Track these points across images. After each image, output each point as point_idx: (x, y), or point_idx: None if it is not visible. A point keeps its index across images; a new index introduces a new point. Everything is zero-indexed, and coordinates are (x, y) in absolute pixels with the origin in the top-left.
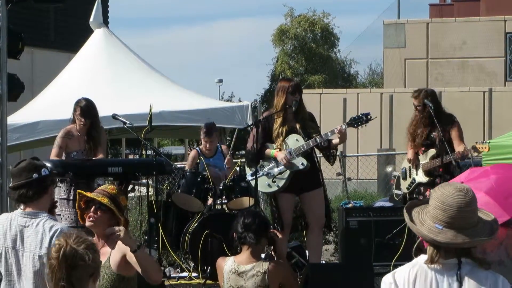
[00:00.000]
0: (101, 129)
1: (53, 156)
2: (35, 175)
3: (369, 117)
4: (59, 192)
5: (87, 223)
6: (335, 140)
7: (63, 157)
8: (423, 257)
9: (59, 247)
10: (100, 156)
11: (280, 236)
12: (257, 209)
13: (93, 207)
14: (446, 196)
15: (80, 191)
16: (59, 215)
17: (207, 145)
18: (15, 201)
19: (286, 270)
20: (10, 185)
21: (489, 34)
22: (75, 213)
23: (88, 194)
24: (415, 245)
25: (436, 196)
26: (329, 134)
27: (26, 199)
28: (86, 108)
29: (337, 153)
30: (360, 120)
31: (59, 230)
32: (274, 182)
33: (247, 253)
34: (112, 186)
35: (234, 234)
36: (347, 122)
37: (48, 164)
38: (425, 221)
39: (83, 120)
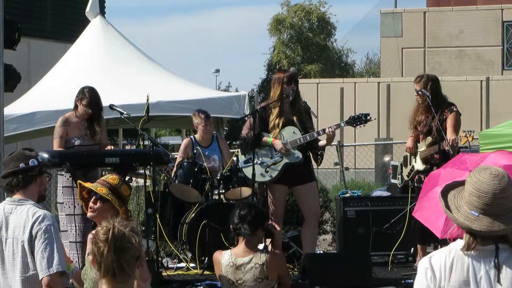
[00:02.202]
0: (102, 117)
1: (56, 147)
2: (21, 165)
3: (368, 117)
4: (62, 180)
5: (88, 214)
6: (322, 142)
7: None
8: (459, 243)
9: (107, 229)
10: (104, 143)
11: (278, 228)
12: (254, 200)
13: (93, 197)
14: (481, 183)
15: (80, 181)
16: (62, 203)
17: (207, 128)
18: (4, 190)
19: (283, 261)
20: (1, 174)
21: (486, 22)
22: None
23: (87, 185)
24: (450, 230)
25: (472, 182)
26: (321, 132)
27: (11, 187)
28: (94, 99)
29: (335, 143)
30: (359, 120)
31: (42, 215)
32: (267, 172)
33: (243, 245)
34: (114, 176)
35: (230, 225)
36: (346, 120)
37: (45, 155)
38: (461, 206)
39: (89, 111)
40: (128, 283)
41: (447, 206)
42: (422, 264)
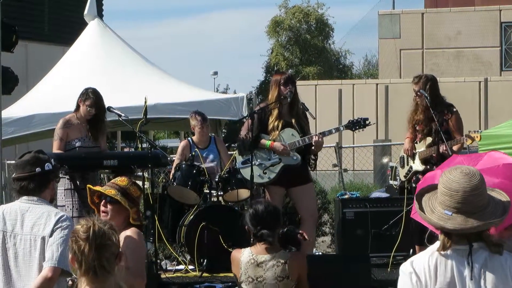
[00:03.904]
0: (104, 120)
1: (55, 149)
2: (37, 169)
3: (367, 122)
4: (64, 183)
5: (101, 217)
6: (312, 147)
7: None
8: (438, 244)
9: (87, 227)
10: (103, 148)
11: (307, 239)
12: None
13: (104, 200)
14: (451, 182)
15: (89, 186)
16: (64, 206)
17: (204, 130)
18: (17, 192)
19: (305, 262)
20: (13, 175)
21: (484, 23)
22: (79, 203)
23: (96, 188)
24: (427, 233)
25: (443, 181)
26: (320, 135)
27: (27, 191)
28: (98, 100)
29: (333, 144)
30: (358, 124)
31: (65, 216)
32: (265, 173)
33: (264, 243)
34: (123, 178)
35: (246, 228)
36: (345, 124)
37: None
38: (435, 208)
39: (93, 111)
40: (109, 281)
41: (421, 208)
42: (405, 269)
